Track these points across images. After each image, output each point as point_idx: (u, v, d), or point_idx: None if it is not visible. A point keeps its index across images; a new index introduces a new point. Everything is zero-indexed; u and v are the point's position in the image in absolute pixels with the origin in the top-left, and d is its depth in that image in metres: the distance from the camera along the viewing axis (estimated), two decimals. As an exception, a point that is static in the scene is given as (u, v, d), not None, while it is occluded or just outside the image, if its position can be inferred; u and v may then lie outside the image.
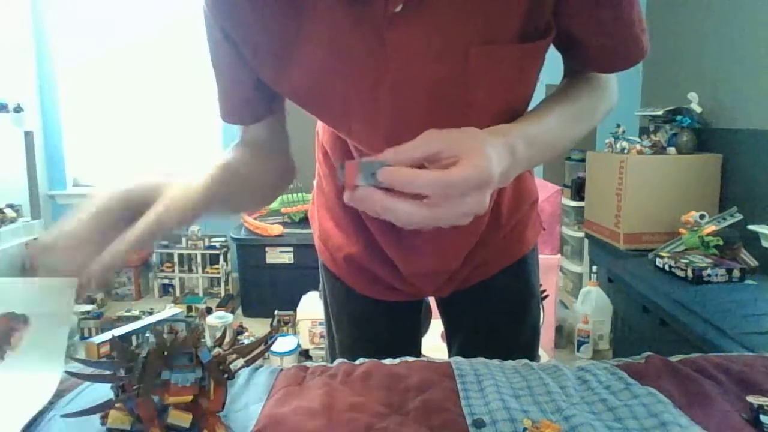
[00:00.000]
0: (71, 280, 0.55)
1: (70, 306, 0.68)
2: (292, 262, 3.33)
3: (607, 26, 0.59)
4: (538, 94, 0.69)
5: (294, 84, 0.63)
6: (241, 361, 0.59)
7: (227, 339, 0.63)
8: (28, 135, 2.63)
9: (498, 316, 0.91)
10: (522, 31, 0.57)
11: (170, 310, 2.77)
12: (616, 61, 0.64)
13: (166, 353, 0.55)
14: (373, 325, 0.94)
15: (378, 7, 0.54)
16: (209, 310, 3.20)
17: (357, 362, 0.77)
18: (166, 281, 3.76)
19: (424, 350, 1.03)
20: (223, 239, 3.65)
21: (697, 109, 2.83)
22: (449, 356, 0.87)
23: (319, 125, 0.86)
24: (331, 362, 0.79)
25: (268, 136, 0.72)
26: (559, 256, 2.72)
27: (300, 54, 0.59)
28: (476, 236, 0.82)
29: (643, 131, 3.34)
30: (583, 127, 0.65)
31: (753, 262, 2.26)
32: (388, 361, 0.77)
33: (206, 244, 3.61)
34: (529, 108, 0.67)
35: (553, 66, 0.69)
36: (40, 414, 0.63)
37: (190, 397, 0.55)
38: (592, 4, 0.57)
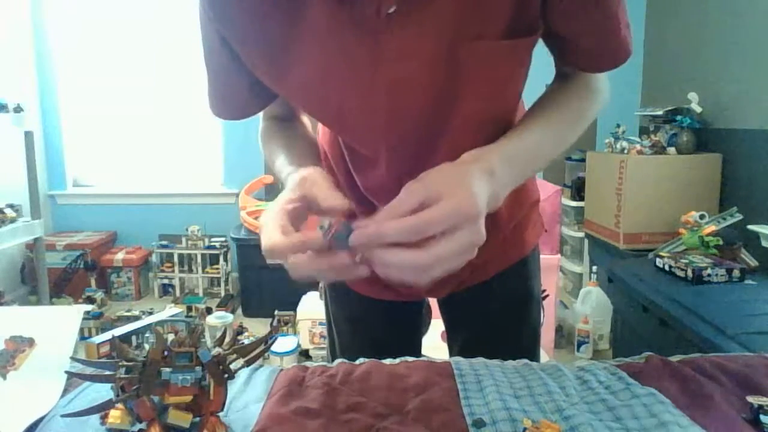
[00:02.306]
0: (79, 306, 0.58)
1: (76, 329, 0.72)
2: (292, 261, 3.32)
3: (593, 26, 0.60)
4: (538, 95, 0.69)
5: (290, 85, 0.64)
6: (241, 361, 0.59)
7: (227, 339, 0.63)
8: (28, 135, 2.63)
9: (498, 318, 0.91)
10: (509, 28, 0.57)
11: (170, 310, 2.75)
12: (601, 61, 0.65)
13: (166, 353, 0.55)
14: (372, 324, 0.94)
15: (371, 9, 0.54)
16: (209, 310, 3.19)
17: (357, 362, 0.77)
18: (166, 281, 3.75)
19: (424, 350, 1.03)
20: (223, 239, 3.64)
21: (697, 109, 2.83)
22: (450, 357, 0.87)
23: (319, 126, 0.86)
24: (332, 362, 0.79)
25: (284, 109, 0.76)
26: (559, 256, 2.72)
27: (296, 57, 0.60)
28: None
29: (643, 131, 3.34)
30: (571, 133, 0.65)
31: (753, 262, 2.26)
32: (388, 361, 0.77)
33: (206, 244, 3.61)
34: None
35: (552, 67, 0.69)
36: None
37: (190, 397, 0.55)
38: (578, 3, 0.57)
